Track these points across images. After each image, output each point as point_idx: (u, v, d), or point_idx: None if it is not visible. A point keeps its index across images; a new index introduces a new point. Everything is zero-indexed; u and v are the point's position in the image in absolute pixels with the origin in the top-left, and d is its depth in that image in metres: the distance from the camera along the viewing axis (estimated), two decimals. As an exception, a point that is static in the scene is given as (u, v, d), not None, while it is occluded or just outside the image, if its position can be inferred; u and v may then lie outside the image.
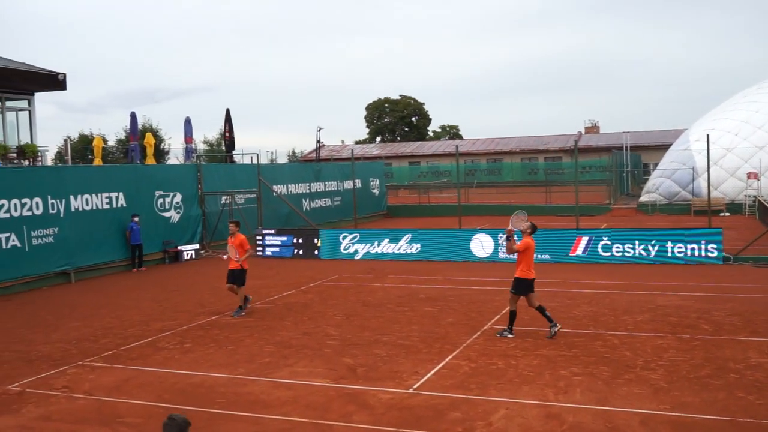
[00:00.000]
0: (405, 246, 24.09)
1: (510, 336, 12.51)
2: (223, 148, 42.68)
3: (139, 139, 32.28)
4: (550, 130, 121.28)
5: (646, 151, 67.12)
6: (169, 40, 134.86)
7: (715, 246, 21.18)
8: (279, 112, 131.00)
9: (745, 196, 37.86)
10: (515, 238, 12.98)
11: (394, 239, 24.39)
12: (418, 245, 24.00)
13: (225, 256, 15.42)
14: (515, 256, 12.66)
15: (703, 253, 21.22)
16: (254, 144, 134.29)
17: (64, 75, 27.38)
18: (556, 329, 12.45)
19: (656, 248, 21.56)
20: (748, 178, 37.75)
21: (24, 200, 20.13)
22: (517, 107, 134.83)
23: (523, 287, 12.46)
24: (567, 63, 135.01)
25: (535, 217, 39.04)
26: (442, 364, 11.06)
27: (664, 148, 55.27)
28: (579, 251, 22.29)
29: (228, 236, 15.44)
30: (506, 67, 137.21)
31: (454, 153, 66.56)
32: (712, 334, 12.62)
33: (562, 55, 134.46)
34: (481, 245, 23.32)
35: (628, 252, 21.86)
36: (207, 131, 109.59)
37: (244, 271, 14.96)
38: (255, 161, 32.21)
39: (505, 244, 12.72)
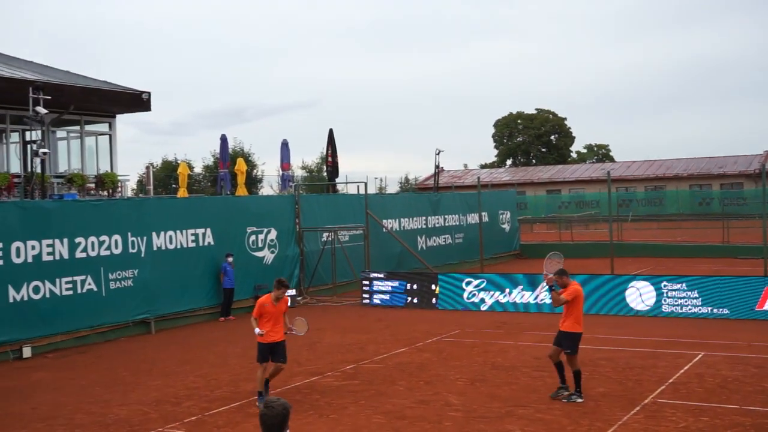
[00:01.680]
0: (543, 295, 23.70)
1: (580, 400, 12.96)
2: (325, 175, 43.62)
3: (229, 166, 33.57)
4: (728, 150, 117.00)
5: None
6: (260, 50, 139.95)
7: None
8: (390, 132, 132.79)
9: None
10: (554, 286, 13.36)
11: (530, 286, 24.07)
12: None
13: (294, 331, 14.00)
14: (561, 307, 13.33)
15: None
16: (361, 170, 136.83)
17: (149, 94, 28.93)
18: (575, 399, 13.00)
19: None
20: None
21: (102, 238, 21.20)
22: (684, 121, 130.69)
23: (576, 342, 13.10)
24: (750, 64, 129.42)
25: (708, 259, 38.17)
26: (591, 446, 10.74)
27: None
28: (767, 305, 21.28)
29: (267, 297, 13.63)
30: (669, 70, 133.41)
31: (603, 179, 65.28)
32: None
33: (744, 53, 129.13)
34: (639, 295, 22.67)
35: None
36: (306, 154, 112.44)
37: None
38: (362, 191, 32.79)
39: (549, 293, 12.92)
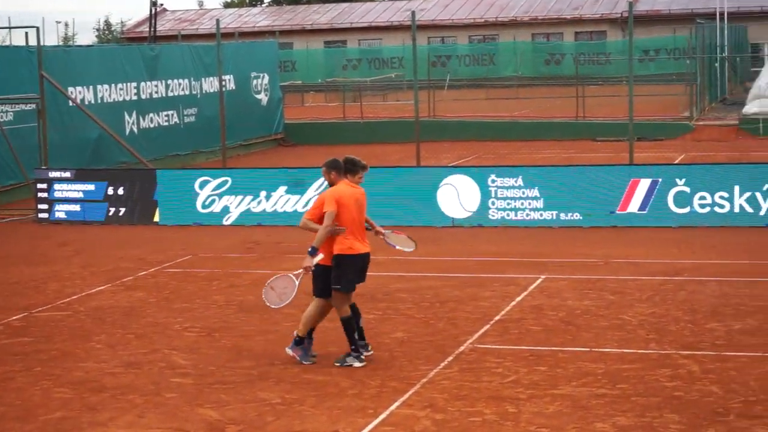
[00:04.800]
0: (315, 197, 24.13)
1: (358, 364, 12.98)
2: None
3: None
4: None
5: (755, 23, 68.50)
6: None
7: None
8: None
9: None
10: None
11: (298, 188, 24.41)
12: (342, 197, 24.14)
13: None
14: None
15: None
16: (32, 9, 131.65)
17: None
18: (356, 364, 12.99)
19: (772, 198, 22.17)
20: None
21: None
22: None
23: (345, 272, 13.03)
24: None
25: (556, 143, 40.15)
26: (383, 416, 11.15)
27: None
28: (634, 205, 22.70)
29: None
30: None
31: (408, 24, 66.53)
32: None
33: None
34: (457, 196, 23.54)
35: (722, 206, 22.37)
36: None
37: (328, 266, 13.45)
38: (33, 42, 31.58)
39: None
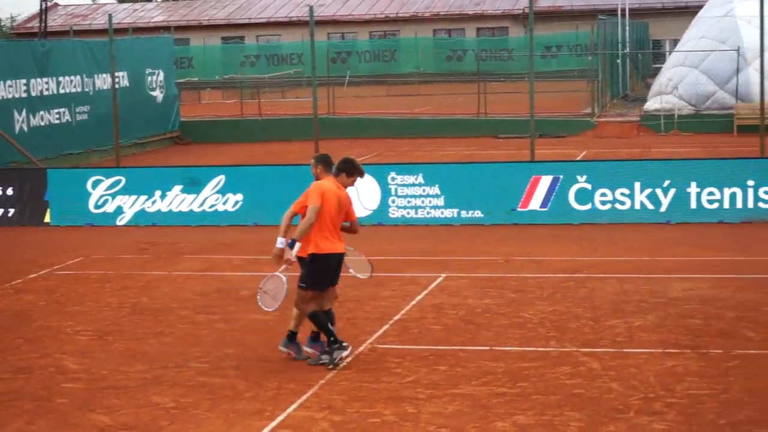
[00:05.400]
0: (214, 198, 24.13)
1: (329, 363, 12.89)
2: None
3: None
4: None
5: (656, 19, 69.59)
6: None
7: (772, 190, 22.41)
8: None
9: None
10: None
11: (193, 186, 24.29)
12: (239, 196, 24.15)
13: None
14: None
15: (750, 203, 22.38)
16: None
17: None
18: (343, 354, 12.96)
19: (671, 195, 22.53)
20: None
21: None
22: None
23: (314, 271, 13.02)
24: None
25: (458, 140, 40.37)
26: (280, 418, 11.17)
27: (688, 13, 57.29)
28: (535, 203, 22.96)
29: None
30: None
31: (307, 20, 66.52)
32: (761, 347, 13.31)
33: None
34: (357, 195, 23.54)
35: (623, 203, 22.72)
36: None
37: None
38: None
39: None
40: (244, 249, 21.32)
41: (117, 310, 16.46)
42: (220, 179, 24.17)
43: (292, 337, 13.39)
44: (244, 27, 75.31)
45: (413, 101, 53.02)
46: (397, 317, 15.42)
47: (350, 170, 13.44)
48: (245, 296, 16.98)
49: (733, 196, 22.39)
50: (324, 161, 13.36)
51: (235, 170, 24.86)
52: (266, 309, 13.44)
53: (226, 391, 12.13)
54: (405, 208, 23.43)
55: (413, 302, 16.30)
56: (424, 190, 23.29)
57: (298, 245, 12.94)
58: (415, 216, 23.26)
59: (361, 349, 13.74)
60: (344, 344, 13.02)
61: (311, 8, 28.79)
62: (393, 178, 23.49)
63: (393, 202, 23.47)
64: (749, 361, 12.78)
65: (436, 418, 11.05)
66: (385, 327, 14.90)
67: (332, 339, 12.91)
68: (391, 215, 23.45)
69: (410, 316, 15.36)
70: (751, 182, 22.34)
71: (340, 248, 13.19)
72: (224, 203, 24.10)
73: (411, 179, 23.41)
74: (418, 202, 23.26)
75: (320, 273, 13.03)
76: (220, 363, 13.31)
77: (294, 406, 11.55)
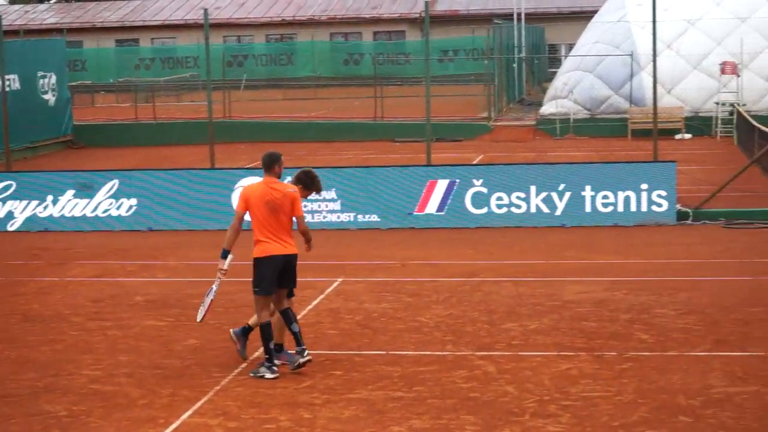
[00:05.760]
0: (107, 203, 23.93)
1: (270, 375, 12.73)
2: None
3: None
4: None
5: (552, 24, 70.40)
6: None
7: (664, 194, 22.76)
8: None
9: (717, 104, 40.78)
10: None
11: (86, 191, 24.04)
12: (133, 201, 23.95)
13: None
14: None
15: (644, 206, 22.78)
16: None
17: None
18: (303, 360, 12.83)
19: (567, 199, 22.82)
20: (722, 72, 40.62)
21: None
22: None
23: (257, 277, 13.01)
24: None
25: (356, 144, 40.35)
26: (174, 425, 11.12)
27: (583, 17, 58.01)
28: (431, 207, 23.11)
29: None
30: None
31: (201, 23, 66.13)
32: (653, 349, 13.57)
33: None
34: (253, 199, 23.53)
35: (518, 206, 22.96)
36: None
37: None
38: None
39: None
40: (138, 254, 21.16)
41: (8, 317, 16.25)
42: (113, 184, 23.94)
43: (246, 331, 13.44)
44: (139, 29, 74.63)
45: (310, 105, 53.10)
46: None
47: (307, 184, 13.49)
48: (139, 302, 16.93)
49: (627, 199, 22.76)
50: (262, 161, 13.24)
51: (129, 175, 24.63)
52: (200, 319, 13.43)
53: (119, 399, 12.03)
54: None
55: (309, 307, 16.31)
56: (321, 195, 23.21)
57: (230, 256, 13.11)
58: (311, 221, 23.15)
59: (256, 354, 13.67)
60: (275, 369, 12.75)
61: (206, 11, 28.56)
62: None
63: (289, 206, 23.38)
64: (642, 362, 13.00)
65: (332, 423, 11.07)
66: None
67: (268, 357, 12.75)
68: (287, 220, 23.36)
69: (306, 321, 15.34)
70: (644, 186, 22.72)
71: (284, 249, 13.02)
72: (118, 208, 23.88)
73: (307, 183, 23.34)
74: (314, 206, 23.23)
75: (263, 276, 12.97)
76: (113, 370, 13.19)
77: (188, 413, 11.50)
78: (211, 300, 13.30)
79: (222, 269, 13.10)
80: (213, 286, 13.33)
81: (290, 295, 13.39)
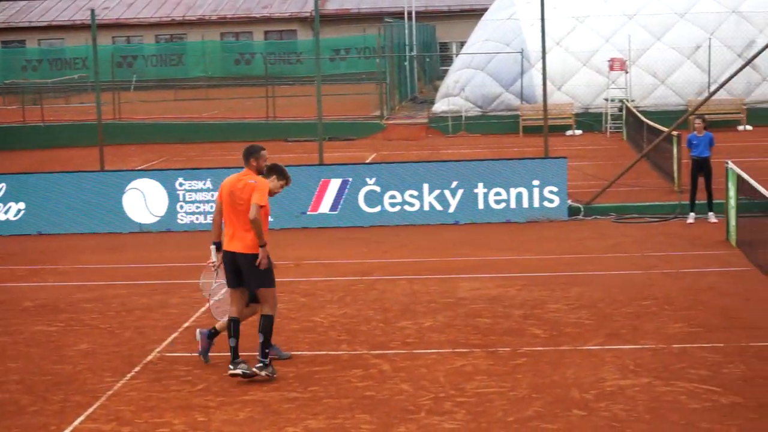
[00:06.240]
0: (-6, 207, 23.59)
1: (266, 372, 12.48)
2: None
3: None
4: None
5: (443, 22, 70.81)
6: None
7: (556, 189, 23.02)
8: None
9: (606, 100, 41.38)
10: None
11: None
12: (21, 205, 23.63)
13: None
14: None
15: (536, 202, 23.01)
16: None
17: None
18: (235, 371, 12.55)
19: (459, 196, 22.95)
20: (611, 69, 41.21)
21: None
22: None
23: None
24: None
25: (244, 144, 39.48)
26: (67, 431, 11.04)
27: (474, 15, 58.45)
28: (325, 206, 23.09)
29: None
30: None
31: (89, 24, 65.36)
32: (546, 344, 13.74)
33: None
34: (145, 201, 23.30)
35: (412, 204, 23.03)
36: None
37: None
38: None
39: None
40: (27, 259, 20.87)
41: None
42: (0, 188, 23.53)
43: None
44: (25, 30, 73.51)
45: (202, 105, 52.82)
46: (186, 324, 15.31)
47: (281, 173, 13.31)
48: (29, 308, 16.70)
49: (519, 196, 22.95)
50: (242, 153, 13.09)
51: (16, 178, 24.21)
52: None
53: (8, 407, 11.85)
54: (194, 213, 23.23)
55: (203, 309, 16.12)
56: (212, 195, 23.03)
57: (213, 247, 13.00)
58: (204, 222, 23.01)
59: (149, 358, 13.60)
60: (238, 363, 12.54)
61: (93, 11, 28.18)
62: (181, 184, 23.27)
63: (181, 207, 23.24)
64: (536, 357, 13.12)
65: (227, 425, 11.03)
66: (174, 335, 14.78)
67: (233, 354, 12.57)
68: (179, 221, 23.22)
69: (200, 323, 15.19)
70: (536, 182, 22.93)
71: (230, 246, 12.73)
72: (5, 212, 23.50)
73: (199, 184, 23.24)
74: (207, 207, 23.05)
75: (226, 270, 12.82)
76: (2, 377, 13.00)
77: (81, 418, 11.37)
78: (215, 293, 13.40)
79: (211, 261, 13.00)
80: (210, 280, 13.27)
81: (253, 299, 13.03)
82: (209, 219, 22.66)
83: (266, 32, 73.13)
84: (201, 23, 72.07)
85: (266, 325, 12.53)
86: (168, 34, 73.80)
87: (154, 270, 19.44)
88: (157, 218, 23.22)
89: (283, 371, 12.76)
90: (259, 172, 12.86)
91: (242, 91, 57.12)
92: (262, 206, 12.52)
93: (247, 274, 12.66)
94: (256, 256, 12.52)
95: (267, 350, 12.53)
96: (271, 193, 13.02)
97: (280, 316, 15.59)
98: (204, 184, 23.17)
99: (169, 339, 14.55)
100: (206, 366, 13.04)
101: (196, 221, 23.14)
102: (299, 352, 13.64)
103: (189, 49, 70.46)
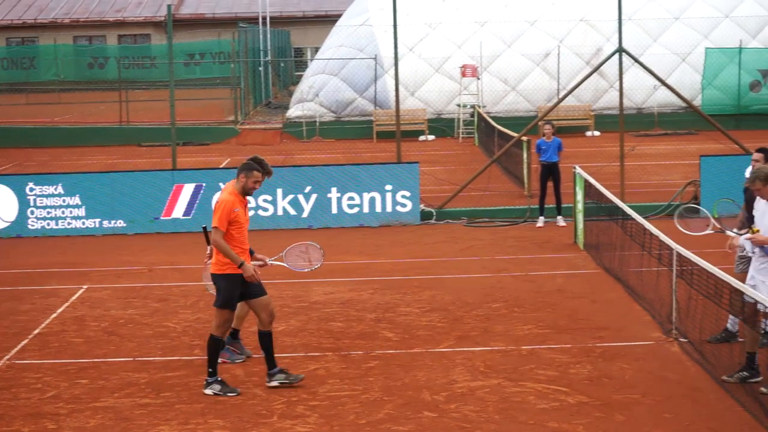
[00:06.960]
0: None
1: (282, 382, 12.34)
2: None
3: None
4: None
5: (298, 27, 70.77)
6: None
7: (408, 194, 23.24)
8: None
9: (459, 106, 41.86)
10: None
11: None
12: None
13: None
14: None
15: (389, 207, 23.21)
16: None
17: None
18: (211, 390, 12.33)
19: (313, 201, 23.03)
20: (463, 75, 41.76)
21: None
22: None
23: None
24: None
25: (101, 149, 39.72)
26: None
27: (328, 21, 58.61)
28: (178, 211, 22.94)
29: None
30: None
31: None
32: (398, 347, 13.91)
33: None
34: (-6, 207, 22.93)
35: (266, 209, 23.02)
36: None
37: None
38: None
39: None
40: None
41: None
42: None
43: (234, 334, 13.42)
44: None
45: (54, 110, 52.00)
46: (36, 331, 15.07)
47: (263, 167, 12.66)
48: None
49: (372, 200, 23.10)
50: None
51: None
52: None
53: None
54: (45, 219, 22.83)
55: (54, 315, 15.97)
56: (64, 201, 22.79)
57: (262, 260, 13.66)
58: (55, 227, 22.70)
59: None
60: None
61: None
62: (32, 189, 22.84)
63: (32, 213, 22.82)
64: (388, 360, 13.27)
65: (74, 436, 10.94)
66: (24, 342, 14.54)
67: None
68: (30, 227, 22.79)
69: (51, 330, 15.04)
70: (389, 186, 23.12)
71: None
72: None
73: (51, 189, 22.85)
74: (58, 212, 22.73)
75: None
76: None
77: None
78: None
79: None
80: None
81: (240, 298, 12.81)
82: (60, 224, 22.53)
83: (120, 36, 72.23)
84: (53, 26, 70.83)
85: (209, 344, 12.32)
86: (19, 37, 72.37)
87: (4, 276, 19.06)
88: (7, 224, 22.78)
89: (135, 377, 12.70)
90: (241, 186, 12.42)
91: (95, 96, 56.48)
92: (219, 229, 12.31)
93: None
94: (223, 275, 12.35)
95: (211, 369, 12.24)
96: (249, 191, 12.61)
97: (133, 321, 15.52)
98: (55, 189, 22.78)
99: (19, 346, 14.32)
100: (57, 373, 12.89)
101: (47, 227, 22.74)
102: (152, 358, 13.57)
103: (41, 52, 69.30)
